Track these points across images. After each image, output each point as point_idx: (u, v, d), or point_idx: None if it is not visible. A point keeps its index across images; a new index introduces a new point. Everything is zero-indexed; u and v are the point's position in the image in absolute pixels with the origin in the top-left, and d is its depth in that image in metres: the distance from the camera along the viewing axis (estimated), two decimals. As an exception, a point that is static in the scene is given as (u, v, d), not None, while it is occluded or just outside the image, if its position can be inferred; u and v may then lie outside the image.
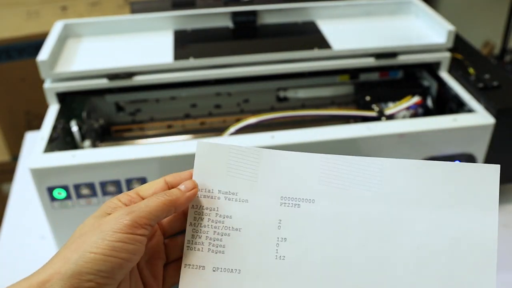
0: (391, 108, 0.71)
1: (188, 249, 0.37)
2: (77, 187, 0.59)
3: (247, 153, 0.39)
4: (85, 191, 0.60)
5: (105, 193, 0.60)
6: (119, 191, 0.60)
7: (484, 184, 0.38)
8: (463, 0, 1.65)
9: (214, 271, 0.37)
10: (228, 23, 0.80)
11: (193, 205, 0.38)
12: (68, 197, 0.60)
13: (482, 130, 0.64)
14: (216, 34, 0.78)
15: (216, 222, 0.38)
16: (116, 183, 0.60)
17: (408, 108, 0.71)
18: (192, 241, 0.37)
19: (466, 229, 0.37)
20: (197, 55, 0.70)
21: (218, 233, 0.37)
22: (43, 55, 0.66)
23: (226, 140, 0.62)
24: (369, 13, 0.82)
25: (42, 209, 0.61)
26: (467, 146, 0.65)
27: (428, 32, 0.77)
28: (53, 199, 0.60)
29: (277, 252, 0.37)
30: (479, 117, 0.64)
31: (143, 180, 0.60)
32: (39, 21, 1.33)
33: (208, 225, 0.37)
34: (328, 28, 0.78)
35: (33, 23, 1.32)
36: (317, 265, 0.37)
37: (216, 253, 0.37)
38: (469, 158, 0.66)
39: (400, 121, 0.64)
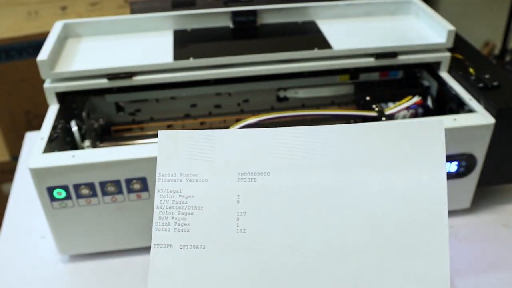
0: (391, 108, 0.71)
1: (156, 230, 0.40)
2: (77, 187, 0.59)
3: (203, 136, 0.41)
4: (85, 191, 0.60)
5: (105, 193, 0.60)
6: (119, 191, 0.60)
7: (430, 140, 0.39)
8: (463, 0, 1.65)
9: (181, 248, 0.39)
10: (228, 23, 0.80)
11: (158, 189, 0.40)
12: (68, 197, 0.60)
13: (482, 130, 0.64)
14: (216, 34, 0.78)
15: (180, 203, 0.40)
16: (116, 183, 0.60)
17: (408, 108, 0.71)
18: (160, 222, 0.40)
19: (416, 186, 0.38)
20: (197, 55, 0.70)
21: (183, 212, 0.40)
22: (43, 55, 0.66)
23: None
24: (369, 13, 0.82)
25: (42, 209, 0.61)
26: (467, 146, 0.65)
27: (428, 32, 0.77)
28: (53, 199, 0.60)
29: (238, 226, 0.40)
30: (479, 117, 0.64)
31: (143, 180, 0.60)
32: (39, 21, 1.33)
33: (173, 206, 0.40)
34: (328, 28, 0.78)
35: (33, 23, 1.32)
36: (276, 235, 0.39)
37: (182, 231, 0.40)
38: (469, 158, 0.66)
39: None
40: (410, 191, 0.38)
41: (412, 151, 0.38)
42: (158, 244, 0.40)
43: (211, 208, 0.40)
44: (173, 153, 0.41)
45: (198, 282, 0.39)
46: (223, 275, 0.39)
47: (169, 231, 0.40)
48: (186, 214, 0.40)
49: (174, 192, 0.40)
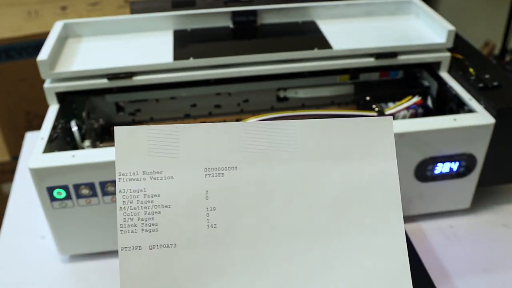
0: (391, 108, 0.71)
1: (122, 233, 0.39)
2: (77, 187, 0.59)
3: (166, 131, 0.40)
4: (85, 191, 0.60)
5: (105, 193, 0.60)
6: (119, 191, 0.60)
7: (382, 134, 0.42)
8: (463, 0, 1.65)
9: (150, 249, 0.39)
10: (228, 23, 0.80)
11: (120, 190, 0.39)
12: (68, 197, 0.60)
13: (482, 130, 0.64)
14: (216, 34, 0.78)
15: (146, 203, 0.39)
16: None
17: (408, 108, 0.71)
18: (125, 224, 0.39)
19: (372, 177, 0.41)
20: (197, 55, 0.70)
21: (149, 212, 0.39)
22: (43, 55, 0.66)
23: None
24: (369, 13, 0.82)
25: (42, 209, 0.61)
26: (467, 146, 0.65)
27: (428, 32, 0.77)
28: (53, 199, 0.60)
29: (208, 222, 0.39)
30: (479, 117, 0.64)
31: (143, 180, 0.60)
32: (39, 21, 1.33)
33: (138, 206, 0.39)
34: (328, 28, 0.78)
35: (33, 23, 1.32)
36: (246, 229, 0.40)
37: (150, 231, 0.39)
38: (469, 158, 0.66)
39: (400, 121, 0.64)
40: (367, 182, 0.41)
41: (367, 145, 0.41)
42: (126, 247, 0.39)
43: (179, 205, 0.39)
44: (133, 150, 0.40)
45: (172, 281, 0.39)
46: (197, 271, 0.39)
47: (136, 232, 0.39)
48: (153, 214, 0.39)
49: (138, 192, 0.39)
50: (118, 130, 0.40)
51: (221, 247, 0.39)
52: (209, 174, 0.40)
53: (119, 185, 0.39)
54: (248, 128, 0.40)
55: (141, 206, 0.39)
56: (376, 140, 0.41)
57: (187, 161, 0.40)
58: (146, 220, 0.39)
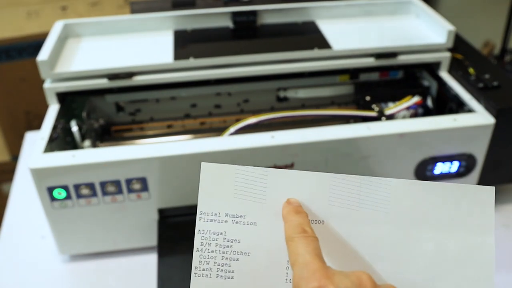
0: (391, 108, 0.71)
1: (195, 276, 0.36)
2: (77, 187, 0.59)
3: (254, 173, 0.37)
4: (85, 191, 0.60)
5: (105, 193, 0.60)
6: (119, 191, 0.60)
7: (482, 204, 0.38)
8: (463, 0, 1.65)
9: None
10: (228, 23, 0.80)
11: (199, 230, 0.37)
12: (68, 197, 0.60)
13: (482, 130, 0.64)
14: (216, 34, 0.78)
15: (224, 247, 0.37)
16: (116, 183, 0.60)
17: (408, 108, 0.71)
18: (200, 267, 0.36)
19: (468, 248, 0.38)
20: (197, 55, 0.70)
21: (227, 258, 0.37)
22: (43, 55, 0.66)
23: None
24: (369, 13, 0.82)
25: (42, 209, 0.61)
26: (467, 146, 0.65)
27: (428, 32, 0.77)
28: (53, 199, 0.60)
29: (287, 275, 0.37)
30: (479, 117, 0.64)
31: (143, 180, 0.60)
32: (39, 21, 1.33)
33: (215, 250, 0.37)
34: (328, 28, 0.78)
35: (33, 23, 1.32)
36: None
37: (225, 278, 0.36)
38: (469, 158, 0.66)
39: (400, 121, 0.64)
40: (462, 252, 0.38)
41: (466, 214, 0.38)
42: None
43: (259, 254, 0.37)
44: (218, 189, 0.37)
45: None
46: None
47: (210, 277, 0.36)
48: (230, 260, 0.36)
49: (218, 234, 0.37)
50: (204, 166, 0.37)
51: None
52: None
53: (199, 225, 0.37)
54: (340, 180, 0.38)
55: (219, 250, 0.37)
56: (475, 209, 0.38)
57: (273, 208, 0.37)
58: (223, 266, 0.36)
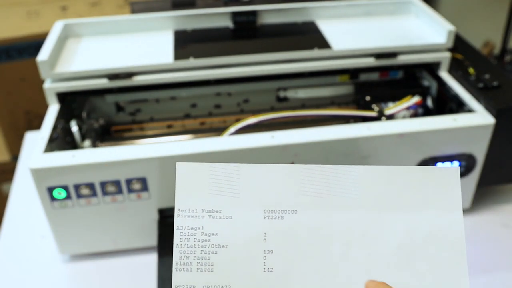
0: (391, 108, 0.71)
1: (177, 271, 0.37)
2: (77, 187, 0.59)
3: (227, 169, 0.39)
4: (85, 191, 0.60)
5: (105, 193, 0.60)
6: (119, 191, 0.60)
7: (448, 184, 0.40)
8: (463, 0, 1.65)
9: None
10: (228, 23, 0.80)
11: (177, 226, 0.38)
12: (68, 197, 0.60)
13: (482, 130, 0.64)
14: (216, 34, 0.78)
15: (203, 241, 0.38)
16: (116, 183, 0.60)
17: (408, 108, 0.71)
18: (180, 262, 0.38)
19: (437, 227, 0.40)
20: (197, 55, 0.70)
21: (205, 251, 0.38)
22: (43, 55, 0.66)
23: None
24: (369, 13, 0.82)
25: (42, 209, 0.61)
26: (467, 146, 0.65)
27: (428, 32, 0.77)
28: (53, 199, 0.60)
29: (264, 265, 0.38)
30: (479, 117, 0.64)
31: (143, 180, 0.60)
32: (39, 21, 1.33)
33: (194, 244, 0.38)
34: (328, 28, 0.78)
35: (33, 23, 1.32)
36: (304, 274, 0.38)
37: (205, 271, 0.38)
38: (469, 158, 0.66)
39: (400, 121, 0.64)
40: (433, 232, 0.39)
41: (433, 195, 0.40)
42: (179, 286, 0.37)
43: (237, 246, 0.38)
44: (193, 187, 0.39)
45: None
46: None
47: (191, 271, 0.37)
48: (209, 253, 0.38)
49: (196, 230, 0.38)
50: (179, 166, 0.39)
51: None
52: (269, 216, 0.39)
53: (177, 222, 0.38)
54: (309, 171, 0.39)
55: (198, 245, 0.38)
56: (441, 190, 0.40)
57: (247, 201, 0.39)
58: (202, 259, 0.38)
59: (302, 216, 0.39)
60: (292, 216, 0.39)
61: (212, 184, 0.39)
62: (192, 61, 0.69)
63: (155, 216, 0.64)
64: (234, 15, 0.79)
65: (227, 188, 0.39)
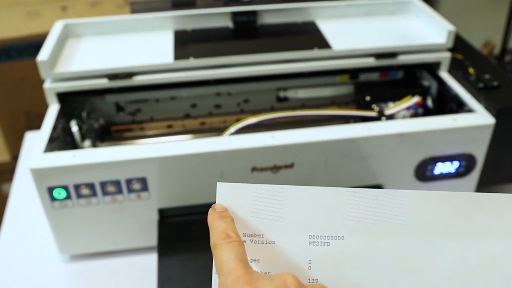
0: (391, 108, 0.71)
1: None
2: (77, 187, 0.59)
3: (270, 191, 0.37)
4: (85, 191, 0.60)
5: (105, 193, 0.60)
6: (119, 191, 0.60)
7: (502, 212, 0.37)
8: (463, 0, 1.65)
9: None
10: (228, 23, 0.80)
11: None
12: (68, 197, 0.60)
13: (482, 130, 0.64)
14: (216, 34, 0.78)
15: None
16: (116, 183, 0.60)
17: (408, 108, 0.71)
18: None
19: (491, 258, 0.37)
20: (197, 55, 0.70)
21: None
22: (43, 55, 0.66)
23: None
24: (369, 13, 0.82)
25: (42, 209, 0.61)
26: (467, 146, 0.65)
27: (428, 32, 0.77)
28: (53, 199, 0.60)
29: None
30: (479, 117, 0.64)
31: (143, 180, 0.60)
32: (39, 21, 1.33)
33: None
34: (328, 28, 0.78)
35: (33, 23, 1.32)
36: None
37: None
38: (469, 158, 0.66)
39: (400, 121, 0.64)
40: (486, 261, 0.37)
41: (485, 222, 0.37)
42: None
43: None
44: (234, 208, 0.36)
45: None
46: None
47: None
48: None
49: None
50: (220, 186, 0.36)
51: None
52: (314, 242, 0.36)
53: None
54: (357, 194, 0.37)
55: None
56: (495, 218, 0.37)
57: (292, 225, 0.36)
58: None
59: (349, 242, 0.37)
60: (339, 243, 0.37)
61: (254, 206, 0.37)
62: (192, 61, 0.69)
63: (155, 216, 0.64)
64: (234, 15, 0.79)
65: (271, 211, 0.37)
